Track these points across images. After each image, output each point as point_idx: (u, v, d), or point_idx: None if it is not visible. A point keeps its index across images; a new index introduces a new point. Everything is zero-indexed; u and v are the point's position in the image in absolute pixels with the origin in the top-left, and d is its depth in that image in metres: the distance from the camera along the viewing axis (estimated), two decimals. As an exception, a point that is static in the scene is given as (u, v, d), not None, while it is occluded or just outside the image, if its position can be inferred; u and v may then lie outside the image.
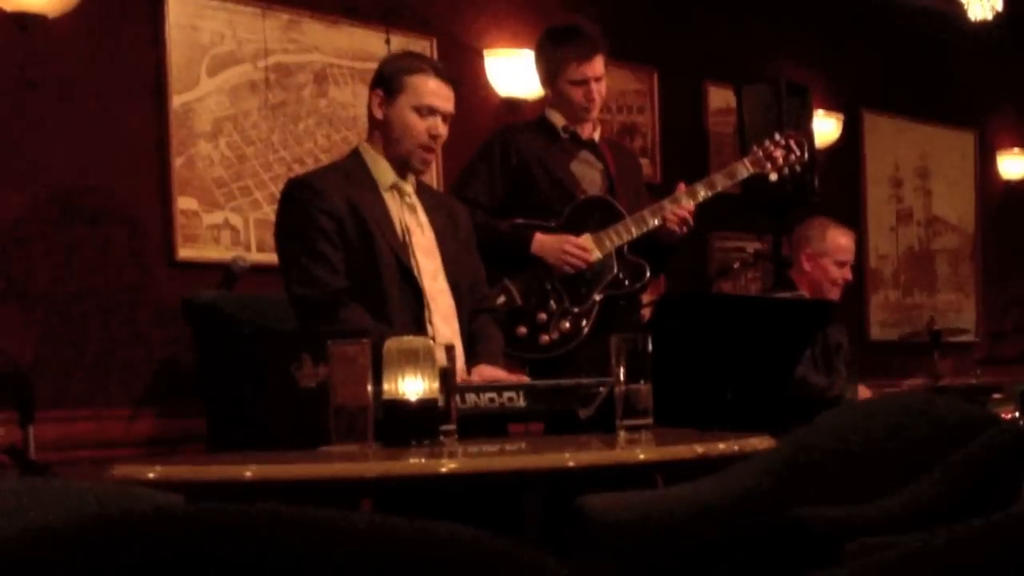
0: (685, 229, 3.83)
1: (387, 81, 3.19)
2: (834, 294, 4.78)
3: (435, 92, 3.16)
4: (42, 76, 4.12)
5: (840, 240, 4.82)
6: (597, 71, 3.83)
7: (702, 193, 3.90)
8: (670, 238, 3.84)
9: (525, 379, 3.14)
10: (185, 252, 4.38)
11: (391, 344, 2.39)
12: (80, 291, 4.16)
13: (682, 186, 3.90)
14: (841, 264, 4.81)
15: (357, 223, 3.10)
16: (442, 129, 3.19)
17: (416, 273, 3.15)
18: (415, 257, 3.17)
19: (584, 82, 3.82)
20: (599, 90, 3.85)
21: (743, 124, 5.91)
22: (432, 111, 3.16)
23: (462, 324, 3.21)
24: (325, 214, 3.08)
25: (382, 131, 3.22)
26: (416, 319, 3.10)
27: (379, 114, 3.20)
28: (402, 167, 3.21)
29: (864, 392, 4.82)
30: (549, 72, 3.89)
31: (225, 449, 3.23)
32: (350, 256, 3.09)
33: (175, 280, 4.29)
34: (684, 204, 3.83)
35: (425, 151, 3.18)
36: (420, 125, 3.15)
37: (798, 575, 1.78)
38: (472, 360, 3.16)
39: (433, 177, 4.87)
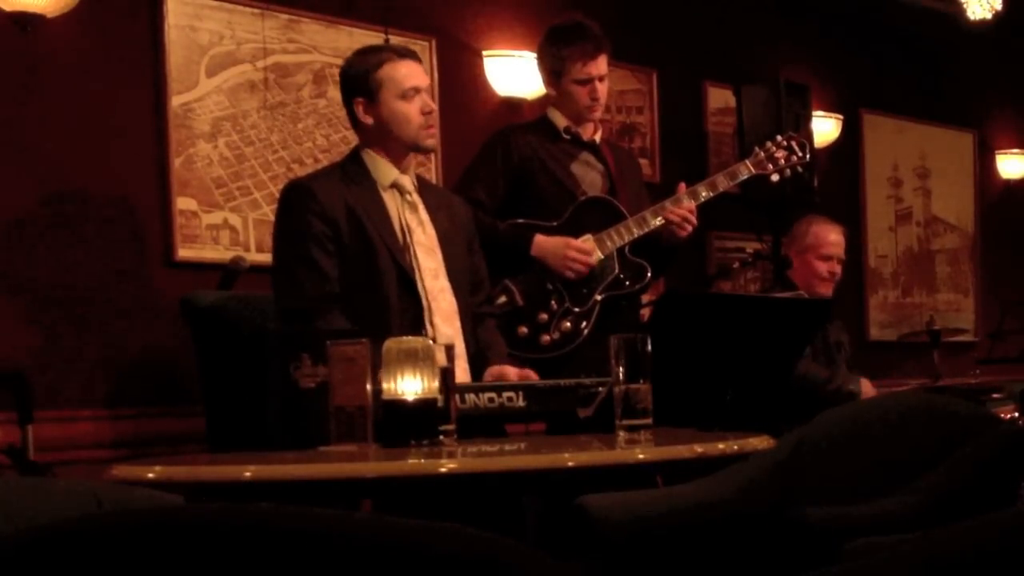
0: (688, 228, 3.82)
1: (362, 87, 3.21)
2: (824, 289, 4.76)
3: (409, 74, 3.20)
4: (41, 76, 4.11)
5: (825, 235, 4.81)
6: (601, 70, 3.83)
7: (704, 194, 3.89)
8: (674, 239, 3.84)
9: (533, 376, 3.14)
10: (184, 252, 4.38)
11: (391, 344, 2.40)
12: (79, 291, 4.15)
13: (683, 187, 3.90)
14: (826, 259, 4.79)
15: (354, 225, 3.11)
16: (431, 103, 3.23)
17: (416, 273, 3.15)
18: (416, 256, 3.18)
19: (588, 81, 3.81)
20: (603, 89, 3.85)
21: (742, 124, 5.90)
22: (416, 90, 3.19)
23: (464, 323, 3.22)
24: (320, 218, 3.09)
25: (377, 133, 3.23)
26: (415, 320, 3.10)
27: (369, 120, 3.22)
28: (411, 154, 3.25)
29: (868, 386, 4.79)
30: (553, 72, 3.88)
31: (225, 449, 3.22)
32: (347, 259, 3.10)
33: (174, 280, 4.29)
34: (684, 204, 3.82)
35: (427, 128, 3.22)
36: (411, 109, 3.19)
37: (798, 575, 1.78)
38: (482, 365, 3.17)
39: (433, 177, 4.87)
